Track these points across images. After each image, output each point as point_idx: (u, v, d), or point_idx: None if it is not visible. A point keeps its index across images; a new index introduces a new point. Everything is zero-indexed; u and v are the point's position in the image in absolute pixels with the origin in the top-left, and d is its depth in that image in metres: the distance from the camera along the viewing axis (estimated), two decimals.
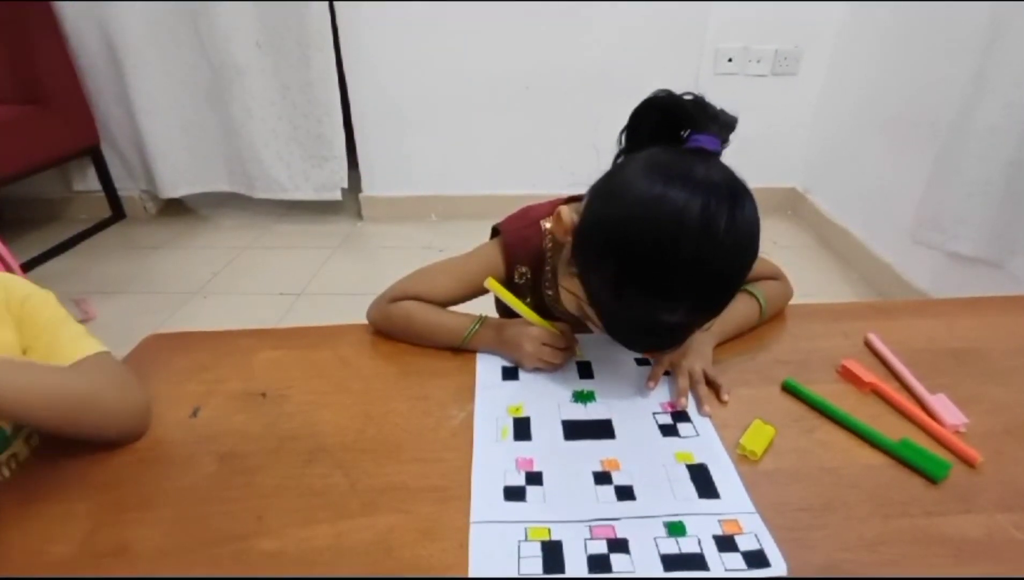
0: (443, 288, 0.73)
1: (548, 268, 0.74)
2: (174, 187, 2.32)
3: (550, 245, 0.73)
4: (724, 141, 0.55)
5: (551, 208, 0.73)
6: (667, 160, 0.53)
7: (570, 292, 0.61)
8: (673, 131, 0.57)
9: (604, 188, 0.57)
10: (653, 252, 0.50)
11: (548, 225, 0.73)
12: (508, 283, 0.75)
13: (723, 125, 0.55)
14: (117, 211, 2.40)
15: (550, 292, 0.76)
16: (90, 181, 2.36)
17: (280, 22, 2.03)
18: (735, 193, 0.51)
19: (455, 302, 0.74)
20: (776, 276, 0.78)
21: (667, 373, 0.66)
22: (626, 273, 0.52)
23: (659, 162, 0.53)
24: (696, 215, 0.48)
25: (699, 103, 0.56)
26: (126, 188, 2.40)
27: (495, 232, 0.77)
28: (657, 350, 0.66)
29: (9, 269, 1.59)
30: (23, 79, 1.99)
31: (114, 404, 0.56)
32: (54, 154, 2.11)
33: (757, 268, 0.77)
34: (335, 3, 2.05)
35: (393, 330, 0.73)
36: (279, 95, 2.16)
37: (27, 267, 1.91)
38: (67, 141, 2.14)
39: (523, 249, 0.74)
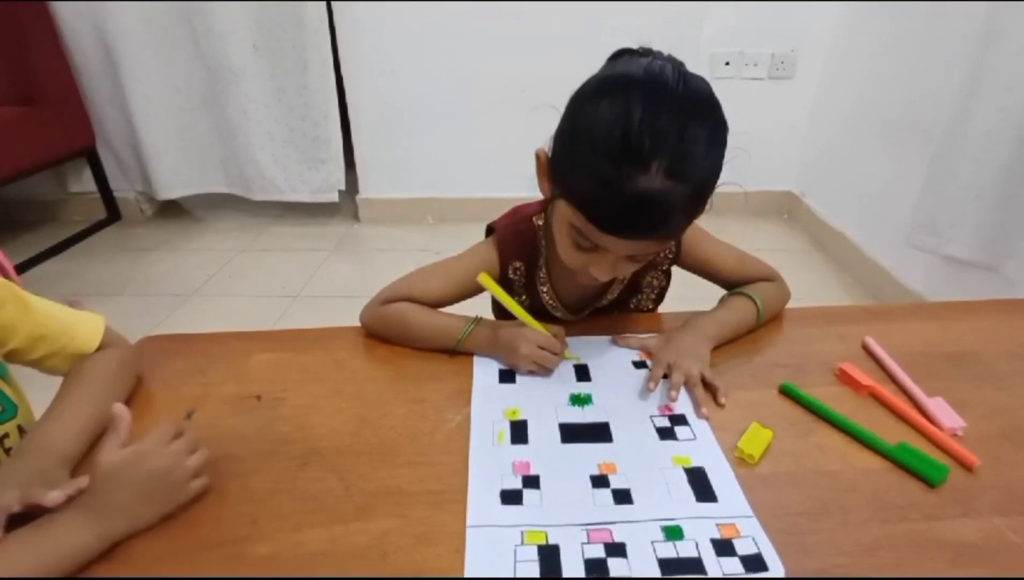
0: (437, 289, 0.73)
1: (542, 261, 0.74)
2: (170, 189, 2.31)
3: (544, 241, 0.73)
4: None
5: (541, 207, 0.73)
6: (613, 64, 0.59)
7: (563, 235, 0.61)
8: None
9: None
10: (607, 119, 0.52)
11: (540, 222, 0.73)
12: (503, 280, 0.75)
13: (670, 59, 0.58)
14: (113, 213, 2.39)
15: (545, 288, 0.76)
16: (86, 182, 2.35)
17: (277, 24, 2.03)
18: (682, 69, 0.55)
19: (449, 303, 0.74)
20: (772, 278, 0.78)
21: (666, 376, 0.66)
22: (590, 147, 0.53)
23: (605, 68, 0.59)
24: (642, 73, 0.54)
25: (647, 49, 0.60)
26: (122, 190, 2.39)
27: (489, 231, 0.77)
28: (651, 230, 0.57)
29: (4, 270, 1.59)
30: (19, 80, 1.98)
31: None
32: (50, 155, 2.10)
33: (754, 270, 0.78)
34: (332, 5, 2.05)
35: (387, 332, 0.73)
36: (275, 97, 2.15)
37: (22, 269, 1.90)
38: (63, 142, 2.13)
39: (517, 245, 0.74)
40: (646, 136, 0.51)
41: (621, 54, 0.60)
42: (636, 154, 0.51)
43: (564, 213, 0.58)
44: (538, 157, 0.62)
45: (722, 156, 0.55)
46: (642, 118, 0.51)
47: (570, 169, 0.56)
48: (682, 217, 0.56)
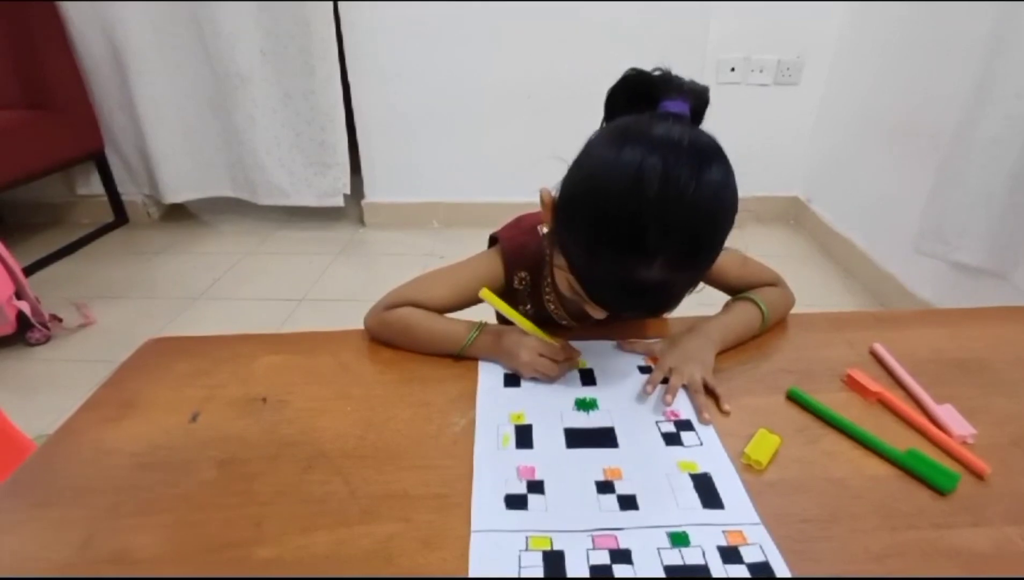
0: (440, 295, 0.73)
1: (547, 271, 0.73)
2: (177, 192, 2.33)
3: (548, 250, 0.73)
4: (698, 107, 0.56)
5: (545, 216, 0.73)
6: (629, 122, 0.55)
7: (562, 272, 0.60)
8: (646, 105, 0.58)
9: (575, 159, 0.57)
10: (616, 206, 0.50)
11: (544, 230, 0.73)
12: (508, 289, 0.74)
13: (690, 92, 0.56)
14: (120, 216, 2.41)
15: (550, 297, 0.75)
16: (93, 186, 2.37)
17: (284, 30, 2.04)
18: (697, 146, 0.51)
19: (452, 310, 0.74)
20: (776, 282, 0.77)
21: (666, 380, 0.65)
22: (595, 232, 0.52)
23: (621, 125, 0.55)
24: (655, 165, 0.49)
25: (665, 76, 0.58)
26: (129, 193, 2.41)
27: (492, 241, 0.77)
28: (646, 312, 0.62)
29: (11, 272, 1.60)
30: (28, 84, 2.00)
31: None
32: (58, 158, 2.12)
33: (756, 275, 0.77)
34: (339, 10, 2.07)
35: (390, 337, 0.72)
36: (282, 102, 2.17)
37: (29, 271, 1.91)
38: (71, 146, 2.15)
39: (521, 255, 0.74)
40: (652, 232, 0.49)
41: (632, 76, 0.58)
42: (640, 249, 0.50)
43: (562, 265, 0.58)
44: (542, 198, 0.60)
45: (728, 231, 0.54)
46: (651, 212, 0.49)
47: (570, 238, 0.55)
48: (680, 297, 0.57)
